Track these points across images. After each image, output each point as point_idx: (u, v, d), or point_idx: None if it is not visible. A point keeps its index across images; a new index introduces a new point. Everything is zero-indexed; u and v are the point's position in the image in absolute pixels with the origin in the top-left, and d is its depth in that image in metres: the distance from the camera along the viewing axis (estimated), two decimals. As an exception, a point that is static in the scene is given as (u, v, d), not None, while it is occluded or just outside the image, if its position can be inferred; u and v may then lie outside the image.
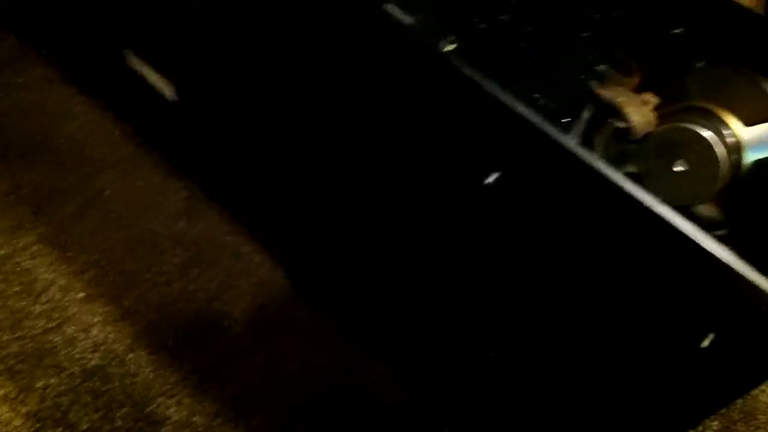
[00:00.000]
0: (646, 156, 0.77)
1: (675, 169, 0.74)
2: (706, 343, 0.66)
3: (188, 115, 1.15)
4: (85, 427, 1.08)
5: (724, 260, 0.61)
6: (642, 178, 0.78)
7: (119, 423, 1.08)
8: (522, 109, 0.69)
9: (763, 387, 1.21)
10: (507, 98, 0.70)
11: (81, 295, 1.18)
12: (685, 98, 0.77)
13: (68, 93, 1.33)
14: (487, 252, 0.83)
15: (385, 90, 0.82)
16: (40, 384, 1.10)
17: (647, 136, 0.77)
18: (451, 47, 0.86)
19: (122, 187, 1.26)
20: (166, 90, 1.13)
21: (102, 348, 1.14)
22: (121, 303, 1.18)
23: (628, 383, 0.79)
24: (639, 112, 0.78)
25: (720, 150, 0.73)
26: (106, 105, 1.34)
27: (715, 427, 1.18)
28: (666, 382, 0.74)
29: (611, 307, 0.75)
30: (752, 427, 1.18)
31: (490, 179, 0.72)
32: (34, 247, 1.21)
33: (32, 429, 1.06)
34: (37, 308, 1.16)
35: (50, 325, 1.15)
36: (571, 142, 0.67)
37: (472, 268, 0.87)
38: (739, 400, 1.20)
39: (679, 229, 0.63)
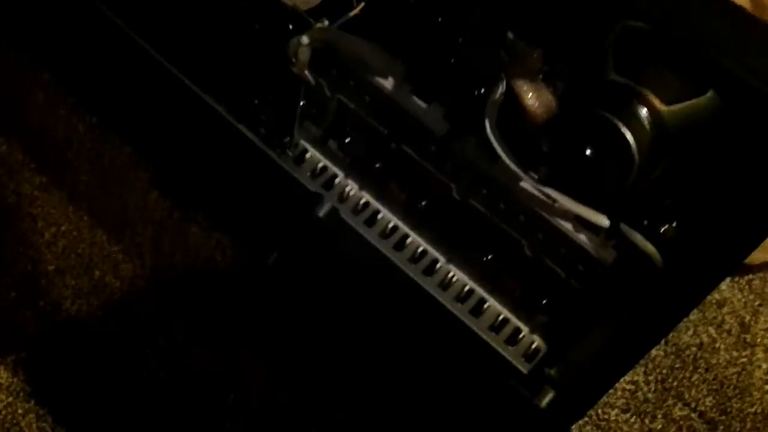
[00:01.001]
0: (553, 143, 0.70)
1: (585, 154, 0.67)
2: None
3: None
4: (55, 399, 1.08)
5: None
6: (553, 166, 0.71)
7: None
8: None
9: (759, 363, 1.18)
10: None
11: (51, 267, 1.17)
12: (602, 70, 0.68)
13: (29, 66, 1.30)
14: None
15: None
16: (11, 358, 1.10)
17: (550, 122, 0.70)
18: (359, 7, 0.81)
19: (91, 160, 1.23)
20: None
21: (73, 321, 1.13)
22: (92, 275, 1.17)
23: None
24: (536, 97, 0.70)
25: (630, 134, 0.65)
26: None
27: (708, 404, 1.14)
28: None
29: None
30: (747, 404, 1.15)
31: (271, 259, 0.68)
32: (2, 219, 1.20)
33: (4, 403, 1.06)
34: (8, 281, 1.15)
35: (21, 299, 1.14)
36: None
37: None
38: (734, 376, 1.16)
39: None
